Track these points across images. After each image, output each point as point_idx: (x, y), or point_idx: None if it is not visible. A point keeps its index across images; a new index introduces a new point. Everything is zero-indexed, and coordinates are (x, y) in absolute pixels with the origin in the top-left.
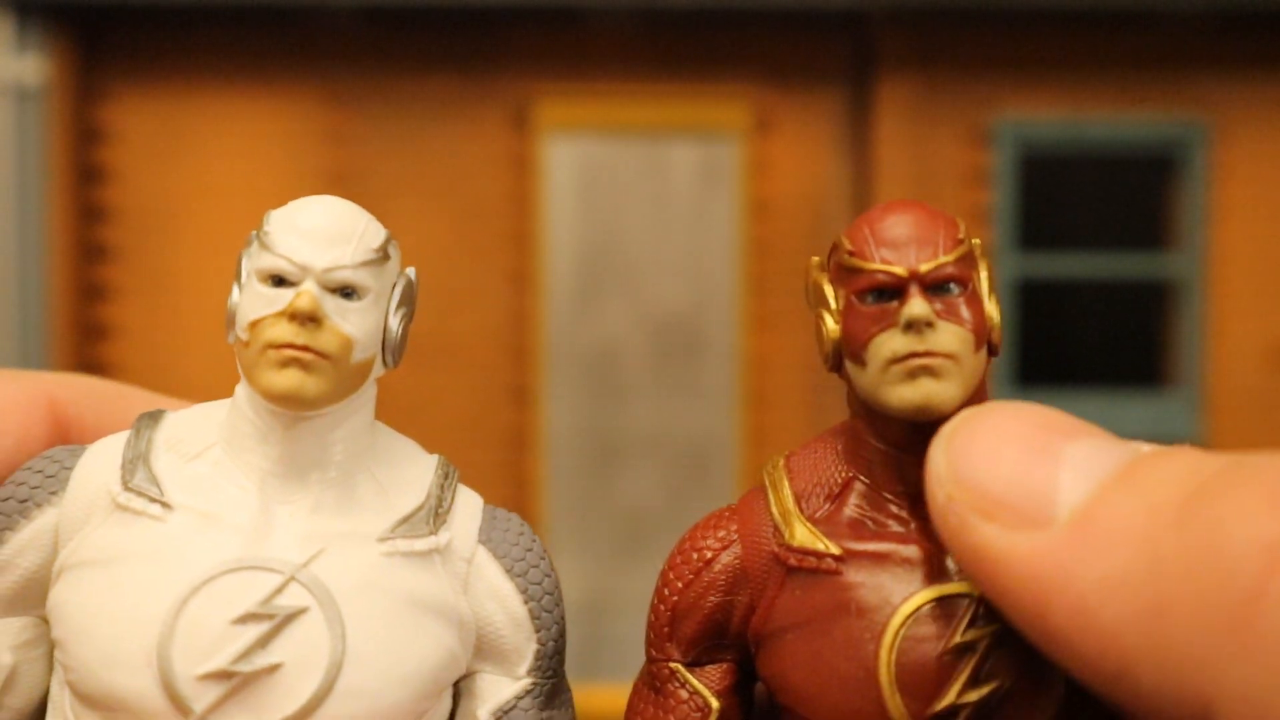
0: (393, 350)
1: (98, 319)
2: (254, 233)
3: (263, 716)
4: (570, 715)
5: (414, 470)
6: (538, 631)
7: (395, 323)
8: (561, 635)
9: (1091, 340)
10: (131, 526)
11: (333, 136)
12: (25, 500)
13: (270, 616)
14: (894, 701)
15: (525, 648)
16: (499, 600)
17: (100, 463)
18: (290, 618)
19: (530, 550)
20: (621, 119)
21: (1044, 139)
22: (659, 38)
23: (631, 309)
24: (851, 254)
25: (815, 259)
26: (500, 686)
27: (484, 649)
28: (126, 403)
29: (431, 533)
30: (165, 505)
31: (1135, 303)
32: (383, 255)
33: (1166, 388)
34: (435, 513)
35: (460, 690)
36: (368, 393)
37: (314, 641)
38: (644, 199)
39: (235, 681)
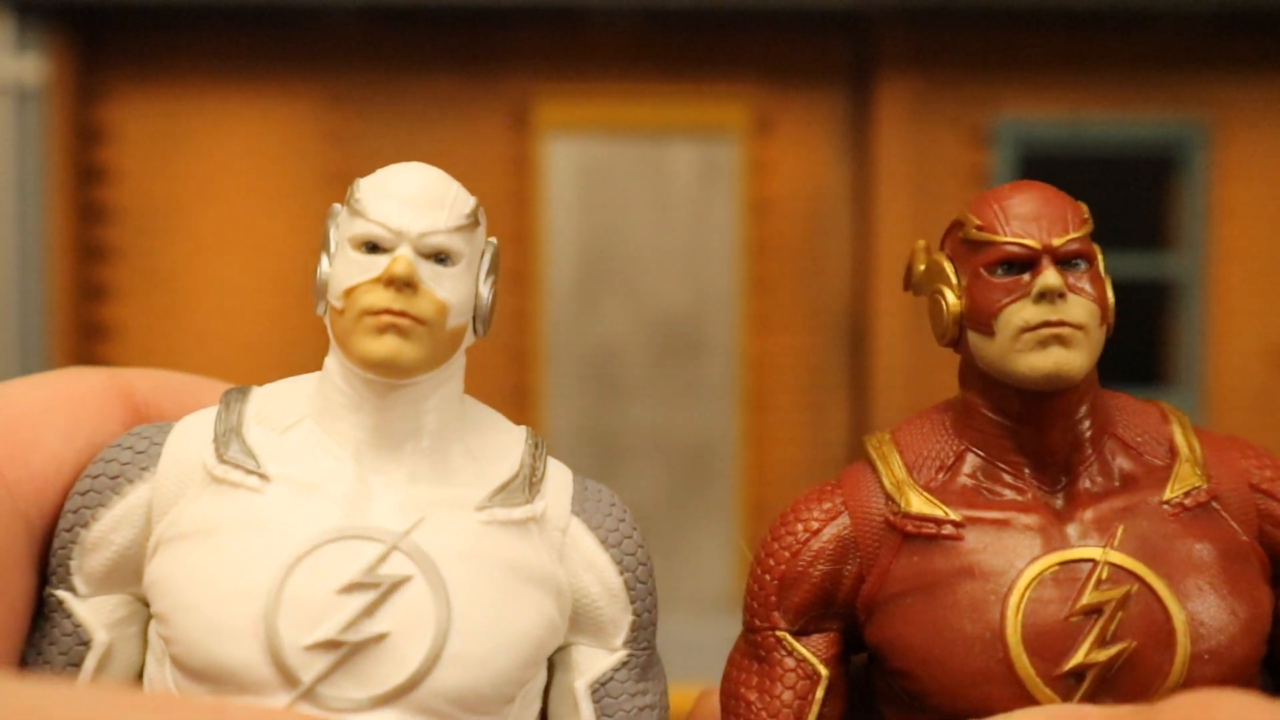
0: (483, 319)
1: (98, 319)
2: (333, 207)
3: (372, 686)
4: (663, 687)
5: (505, 440)
6: (633, 603)
7: (486, 290)
8: (654, 607)
9: None
10: (230, 498)
11: (333, 136)
12: (116, 477)
13: (375, 585)
14: (1022, 662)
15: (621, 619)
16: (595, 572)
17: (191, 437)
18: (395, 586)
19: (623, 521)
20: (621, 119)
21: (1044, 139)
22: (659, 38)
23: (631, 309)
24: (980, 228)
25: (921, 242)
26: (596, 658)
27: (580, 620)
28: (200, 392)
29: (528, 501)
30: (263, 477)
31: (1135, 303)
32: (474, 221)
33: (1166, 388)
34: (530, 482)
35: (555, 663)
36: (458, 361)
37: (420, 609)
38: (644, 199)
39: (343, 651)
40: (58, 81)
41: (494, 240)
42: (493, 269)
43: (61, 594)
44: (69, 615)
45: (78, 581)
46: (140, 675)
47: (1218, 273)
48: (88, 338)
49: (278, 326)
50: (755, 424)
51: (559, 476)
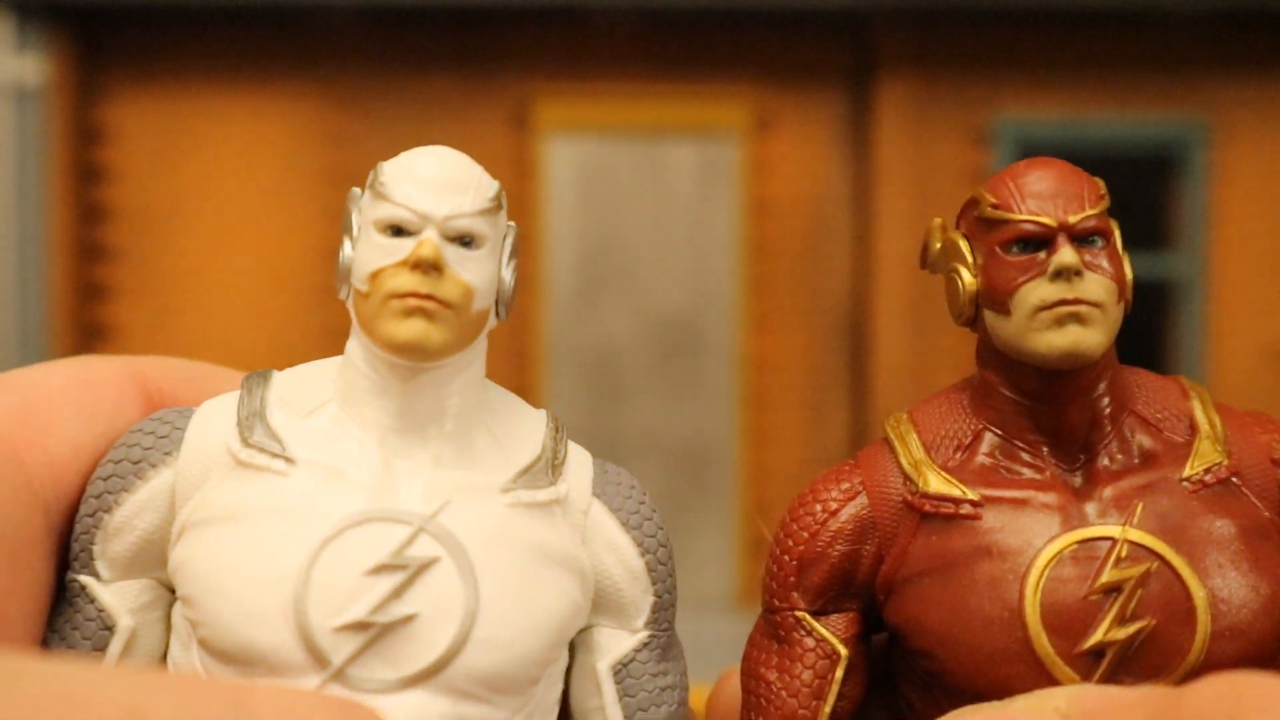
0: (505, 303)
1: (98, 319)
2: (353, 191)
3: (401, 667)
4: (683, 668)
5: (526, 423)
6: (654, 584)
7: (508, 274)
8: (674, 589)
9: None
10: (255, 482)
11: (333, 136)
12: (139, 461)
13: (403, 567)
14: (1041, 640)
15: (642, 600)
16: (616, 554)
17: (214, 421)
18: (423, 568)
19: (643, 504)
20: (621, 119)
21: (1044, 139)
22: (659, 38)
23: (632, 309)
24: (995, 206)
25: (937, 220)
26: (618, 640)
27: (601, 602)
28: (213, 380)
29: (551, 484)
30: (288, 460)
31: (1135, 303)
32: (497, 205)
33: None
34: (552, 464)
35: (576, 645)
36: (480, 345)
37: (448, 591)
38: (644, 199)
39: (372, 633)
40: (58, 81)
41: (514, 224)
42: (514, 253)
43: (85, 579)
44: (92, 600)
45: (101, 567)
46: (164, 659)
47: (1218, 273)
48: (88, 338)
49: (278, 326)
50: (755, 424)
51: (579, 459)
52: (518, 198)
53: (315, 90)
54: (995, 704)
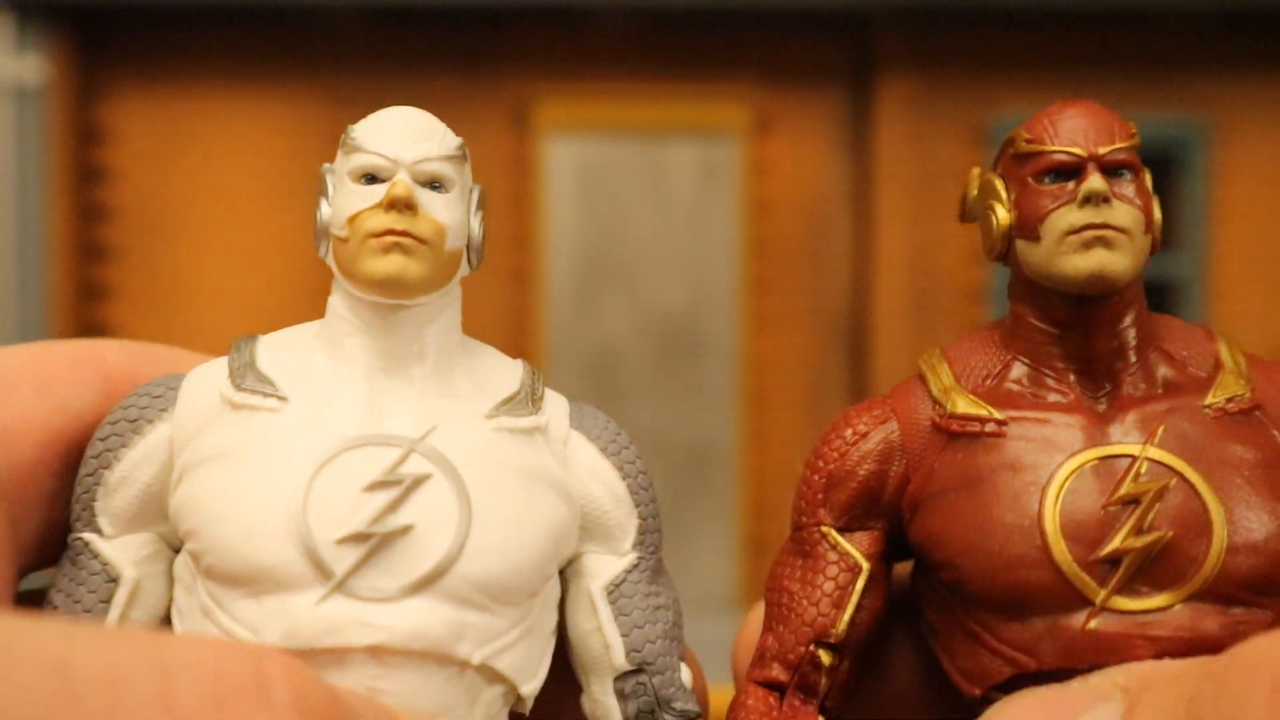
0: (476, 250)
1: (98, 319)
2: (324, 165)
3: (401, 576)
4: (675, 594)
5: (503, 367)
6: (637, 506)
7: (476, 224)
8: (658, 515)
9: None
10: (251, 420)
11: (333, 136)
12: (136, 419)
13: (397, 483)
14: (1059, 547)
15: (628, 523)
16: (599, 478)
17: (207, 379)
18: (416, 483)
19: (619, 435)
20: (621, 119)
21: None
22: (659, 38)
23: (631, 309)
24: (1030, 141)
25: (976, 169)
26: (608, 563)
27: (589, 528)
28: (175, 361)
29: (532, 413)
30: (280, 398)
31: None
32: (462, 154)
33: None
34: (532, 398)
35: (568, 575)
36: (456, 292)
37: (441, 504)
38: (644, 199)
39: (371, 543)
40: (58, 81)
41: (480, 186)
42: (481, 206)
43: (88, 536)
44: (96, 555)
45: (103, 522)
46: (167, 613)
47: (1218, 272)
48: (88, 337)
49: (278, 326)
50: (755, 424)
51: (556, 399)
52: (518, 198)
53: (315, 90)
54: (1055, 685)
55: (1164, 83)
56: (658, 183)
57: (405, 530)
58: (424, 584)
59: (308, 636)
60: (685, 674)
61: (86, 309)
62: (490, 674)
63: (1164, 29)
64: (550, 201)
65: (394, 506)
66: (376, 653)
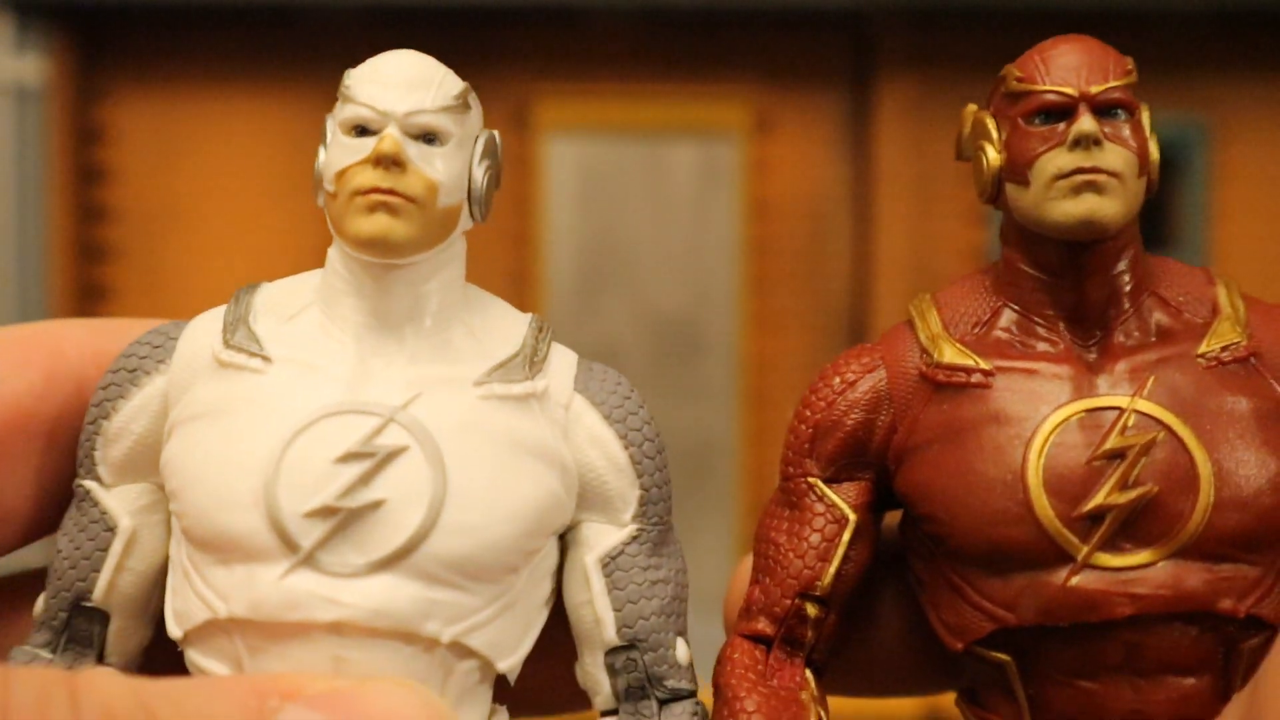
0: (479, 201)
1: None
2: (328, 116)
3: (369, 551)
4: (681, 565)
5: (507, 322)
6: (639, 477)
7: (480, 173)
8: (666, 483)
9: None
10: (235, 380)
11: None
12: (134, 370)
13: (370, 455)
14: (1041, 503)
15: (629, 494)
16: (599, 447)
17: (203, 330)
18: (390, 456)
19: (628, 399)
20: (621, 119)
21: None
22: (659, 38)
23: (631, 309)
24: (1020, 79)
25: (972, 106)
26: (606, 534)
27: (588, 496)
28: (139, 331)
29: (528, 378)
30: (265, 359)
31: None
32: (463, 104)
33: None
34: (530, 361)
35: (567, 542)
36: (457, 245)
37: (415, 478)
38: (644, 199)
39: (340, 517)
40: (58, 81)
41: (495, 132)
42: (487, 154)
43: (89, 484)
44: (95, 504)
45: (103, 471)
46: (165, 562)
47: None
48: None
49: None
50: (755, 424)
51: (563, 357)
52: (518, 198)
53: (315, 90)
54: None
55: (1164, 83)
56: (658, 183)
57: (376, 505)
58: (392, 561)
59: (271, 610)
60: (682, 650)
61: (86, 308)
62: (462, 650)
63: (1164, 29)
64: (551, 201)
65: (366, 480)
66: (339, 629)
